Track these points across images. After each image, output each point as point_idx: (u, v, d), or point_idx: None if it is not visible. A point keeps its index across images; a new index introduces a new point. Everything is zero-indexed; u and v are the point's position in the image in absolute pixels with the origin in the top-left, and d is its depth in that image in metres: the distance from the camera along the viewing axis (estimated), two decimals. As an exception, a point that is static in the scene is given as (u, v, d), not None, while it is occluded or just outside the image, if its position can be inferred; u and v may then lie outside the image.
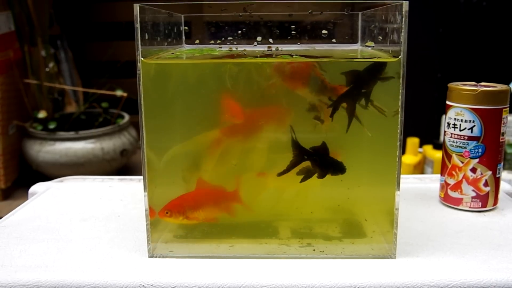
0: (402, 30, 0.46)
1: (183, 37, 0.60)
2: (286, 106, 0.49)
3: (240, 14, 0.55)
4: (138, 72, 0.47)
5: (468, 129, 0.60)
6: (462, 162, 0.61)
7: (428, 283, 0.45)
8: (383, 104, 0.48)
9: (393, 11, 0.48)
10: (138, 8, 0.45)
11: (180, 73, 0.50)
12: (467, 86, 0.60)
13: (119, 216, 0.61)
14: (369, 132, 0.49)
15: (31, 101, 1.86)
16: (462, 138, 0.60)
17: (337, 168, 0.49)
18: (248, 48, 0.55)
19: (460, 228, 0.57)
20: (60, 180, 0.75)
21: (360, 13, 0.58)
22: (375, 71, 0.48)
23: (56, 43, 2.05)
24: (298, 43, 0.58)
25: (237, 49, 0.55)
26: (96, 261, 0.49)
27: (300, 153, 0.49)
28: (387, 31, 0.50)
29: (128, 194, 0.69)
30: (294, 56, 0.51)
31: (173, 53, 0.55)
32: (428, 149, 1.55)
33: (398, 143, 0.48)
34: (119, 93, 1.85)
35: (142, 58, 0.47)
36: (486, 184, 0.61)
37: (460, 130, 0.60)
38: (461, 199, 0.62)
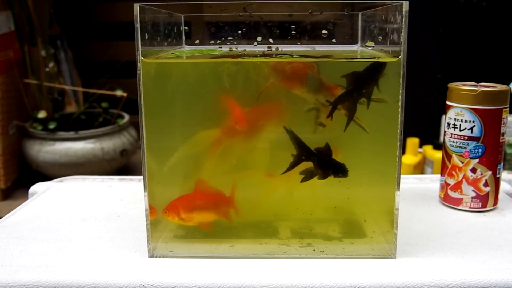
0: (402, 30, 0.46)
1: (183, 37, 0.60)
2: (285, 105, 0.49)
3: (240, 14, 0.55)
4: (138, 71, 0.47)
5: (468, 129, 0.60)
6: (462, 162, 0.61)
7: (428, 283, 0.45)
8: (382, 105, 0.48)
9: (393, 11, 0.48)
10: (138, 8, 0.45)
11: (180, 72, 0.50)
12: (467, 86, 0.60)
13: (119, 216, 0.61)
14: (367, 129, 0.48)
15: (31, 101, 1.86)
16: (462, 138, 0.60)
17: (340, 170, 0.49)
18: (248, 48, 0.55)
19: (460, 228, 0.57)
20: (60, 180, 0.75)
21: (360, 13, 0.58)
22: (375, 71, 0.48)
23: (56, 43, 2.05)
24: (298, 43, 0.58)
25: (237, 49, 0.55)
26: (96, 261, 0.49)
27: (303, 152, 0.49)
28: (387, 31, 0.50)
29: (128, 194, 0.69)
30: (294, 56, 0.51)
31: (173, 53, 0.55)
32: (428, 149, 1.55)
33: (398, 143, 0.48)
34: (119, 93, 1.85)
35: (142, 58, 0.47)
36: (486, 184, 0.61)
37: (460, 130, 0.60)
38: (461, 199, 0.62)
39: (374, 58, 0.50)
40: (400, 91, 0.47)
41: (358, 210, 0.52)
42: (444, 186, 0.63)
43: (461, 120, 0.60)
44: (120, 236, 0.55)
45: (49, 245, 0.53)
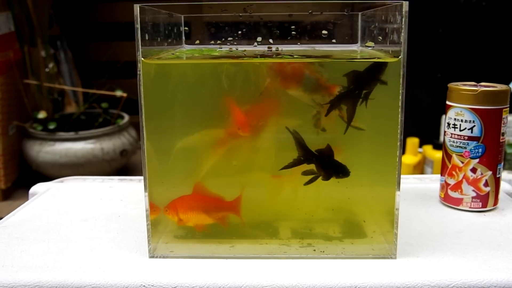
0: (402, 30, 0.46)
1: (183, 38, 0.60)
2: (284, 103, 0.49)
3: (240, 14, 0.55)
4: (138, 72, 0.47)
5: (468, 129, 0.60)
6: (462, 162, 0.61)
7: (429, 283, 0.45)
8: (383, 104, 0.48)
9: (393, 11, 0.48)
10: (138, 8, 0.45)
11: (181, 73, 0.50)
12: (467, 86, 0.60)
13: (119, 217, 0.61)
14: (362, 127, 0.48)
15: (31, 101, 1.86)
16: (462, 138, 0.60)
17: (341, 171, 0.49)
18: (248, 48, 0.55)
19: (461, 228, 0.57)
20: (60, 180, 0.75)
21: (360, 13, 0.58)
22: (375, 71, 0.48)
23: (56, 44, 2.05)
24: (298, 43, 0.58)
25: (237, 49, 0.55)
26: (96, 262, 0.49)
27: (305, 153, 0.49)
28: (387, 31, 0.50)
29: (128, 194, 0.69)
30: (295, 57, 0.51)
31: (173, 54, 0.55)
32: (428, 149, 1.55)
33: (398, 143, 0.48)
34: (118, 93, 1.85)
35: (142, 59, 0.47)
36: (486, 184, 0.61)
37: (460, 130, 0.60)
38: (461, 199, 0.62)
39: (375, 58, 0.50)
40: (400, 91, 0.47)
41: (358, 210, 0.52)
42: (444, 186, 0.63)
43: (461, 120, 0.60)
44: (120, 237, 0.55)
45: (50, 246, 0.53)
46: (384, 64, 0.47)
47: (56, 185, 0.73)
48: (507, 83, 0.62)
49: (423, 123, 1.79)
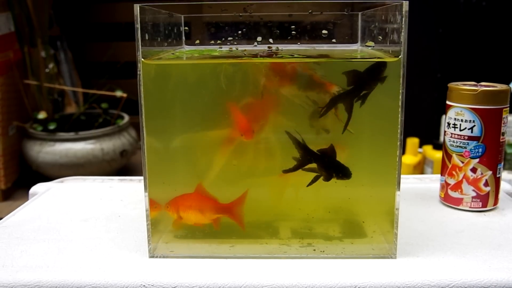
0: (402, 30, 0.46)
1: (183, 38, 0.60)
2: (285, 105, 0.49)
3: (240, 14, 0.55)
4: (138, 72, 0.47)
5: (468, 129, 0.60)
6: (462, 162, 0.61)
7: (429, 283, 0.45)
8: (382, 105, 0.48)
9: (393, 11, 0.48)
10: (138, 8, 0.45)
11: (181, 73, 0.50)
12: (467, 86, 0.60)
13: (119, 217, 0.61)
14: (352, 131, 0.48)
15: (31, 102, 1.86)
16: (462, 138, 0.60)
17: (343, 172, 0.49)
18: (248, 48, 0.55)
19: (461, 228, 0.57)
20: (60, 180, 0.75)
21: (360, 13, 0.58)
22: (375, 71, 0.48)
23: (56, 44, 2.06)
24: (298, 43, 0.58)
25: (237, 49, 0.55)
26: (96, 261, 0.49)
27: (307, 155, 0.49)
28: (387, 31, 0.50)
29: (128, 194, 0.69)
30: (295, 56, 0.51)
31: (173, 54, 0.55)
32: (428, 149, 1.55)
33: (398, 143, 0.48)
34: (118, 93, 1.85)
35: (142, 59, 0.47)
36: (486, 184, 0.61)
37: (460, 130, 0.60)
38: (462, 199, 0.62)
39: (375, 58, 0.50)
40: (400, 91, 0.47)
41: (359, 210, 0.52)
42: (444, 186, 0.63)
43: (461, 120, 0.60)
44: (120, 236, 0.55)
45: (50, 246, 0.53)
46: (383, 65, 0.47)
47: (56, 185, 0.73)
48: (507, 83, 0.62)
49: (423, 123, 1.79)
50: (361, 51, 0.57)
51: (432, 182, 0.73)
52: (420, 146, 1.58)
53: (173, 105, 0.50)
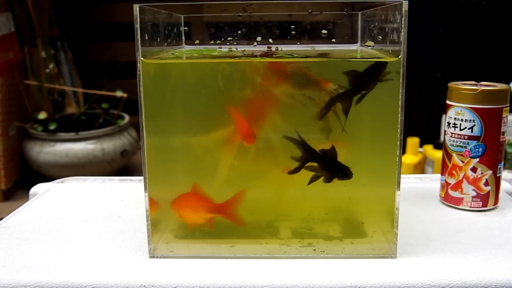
0: (402, 30, 0.46)
1: (183, 38, 0.60)
2: (285, 105, 0.49)
3: (240, 14, 0.55)
4: (138, 72, 0.47)
5: (468, 129, 0.60)
6: (463, 162, 0.61)
7: (429, 283, 0.45)
8: (382, 105, 0.48)
9: (392, 11, 0.48)
10: (138, 8, 0.45)
11: (180, 73, 0.50)
12: (467, 86, 0.60)
13: (119, 217, 0.61)
14: (347, 131, 0.48)
15: (32, 102, 1.86)
16: (462, 137, 0.60)
17: (344, 172, 0.49)
18: (248, 48, 0.55)
19: (461, 227, 0.57)
20: (60, 181, 0.75)
21: (359, 13, 0.58)
22: (375, 71, 0.47)
23: (56, 44, 2.06)
24: (298, 43, 0.58)
25: (237, 49, 0.55)
26: (97, 262, 0.49)
27: (309, 154, 0.49)
28: (386, 30, 0.50)
29: (128, 194, 0.69)
30: (294, 56, 0.51)
31: (173, 54, 0.55)
32: (428, 148, 1.55)
33: (398, 143, 0.48)
34: (119, 94, 1.85)
35: (142, 59, 0.47)
36: (486, 184, 0.61)
37: (460, 130, 0.60)
38: (462, 198, 0.62)
39: (374, 58, 0.50)
40: (400, 91, 0.47)
41: (359, 210, 0.52)
42: (445, 185, 0.63)
43: (461, 120, 0.60)
44: (120, 237, 0.55)
45: (50, 246, 0.53)
46: (382, 65, 0.47)
47: (56, 186, 0.73)
48: (507, 82, 0.62)
49: (423, 122, 1.79)
50: (361, 51, 0.57)
51: (432, 181, 0.73)
52: (421, 145, 1.58)
53: (173, 105, 0.50)
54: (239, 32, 0.56)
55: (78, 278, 0.46)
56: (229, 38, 0.57)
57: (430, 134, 1.71)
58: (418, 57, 1.82)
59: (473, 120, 0.59)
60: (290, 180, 0.50)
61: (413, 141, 1.55)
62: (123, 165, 1.91)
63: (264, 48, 0.55)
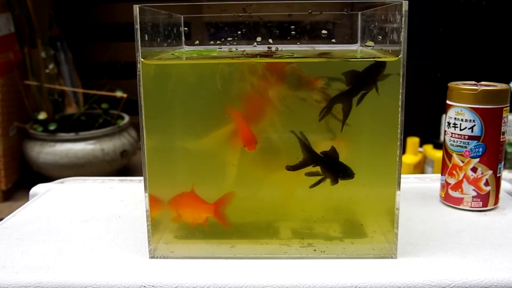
0: (402, 30, 0.46)
1: (183, 38, 0.60)
2: (285, 105, 0.49)
3: (240, 14, 0.55)
4: (138, 73, 0.47)
5: (469, 129, 0.60)
6: (463, 162, 0.61)
7: (429, 283, 0.45)
8: (382, 105, 0.48)
9: (392, 11, 0.48)
10: (138, 9, 0.45)
11: (180, 73, 0.50)
12: (467, 86, 0.60)
13: (120, 217, 0.61)
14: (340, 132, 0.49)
15: (31, 102, 1.86)
16: (462, 137, 0.60)
17: (346, 173, 0.49)
18: (248, 48, 0.55)
19: (461, 227, 0.57)
20: (60, 181, 0.75)
21: (359, 13, 0.58)
22: (374, 71, 0.47)
23: (56, 45, 2.06)
24: (298, 43, 0.58)
25: (236, 49, 0.55)
26: (97, 262, 0.49)
27: (310, 156, 0.49)
28: (386, 30, 0.50)
29: (128, 195, 0.69)
30: (294, 55, 0.51)
31: (172, 54, 0.55)
32: (428, 148, 1.55)
33: (398, 143, 0.48)
34: (119, 94, 1.85)
35: (142, 59, 0.47)
36: (486, 184, 0.61)
37: (461, 130, 0.60)
38: (462, 198, 0.62)
39: (374, 58, 0.50)
40: (400, 91, 0.47)
41: (359, 210, 0.52)
42: (445, 185, 0.63)
43: (462, 120, 0.60)
44: (121, 237, 0.55)
45: (50, 246, 0.53)
46: (381, 65, 0.47)
47: (56, 186, 0.73)
48: (507, 82, 0.62)
49: (423, 122, 1.79)
50: (360, 51, 0.57)
51: (432, 181, 0.73)
52: (421, 145, 1.58)
53: (173, 105, 0.50)
54: (239, 32, 0.56)
55: (78, 278, 0.46)
56: (229, 39, 0.57)
57: (430, 134, 1.71)
58: (418, 57, 1.82)
59: (473, 120, 0.59)
60: (291, 180, 0.50)
61: (413, 141, 1.55)
62: (123, 165, 1.91)
63: (264, 48, 0.55)
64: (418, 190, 0.69)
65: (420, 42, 1.83)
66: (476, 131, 0.59)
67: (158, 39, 0.52)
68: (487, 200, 0.61)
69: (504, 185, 0.67)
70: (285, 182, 0.50)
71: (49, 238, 0.55)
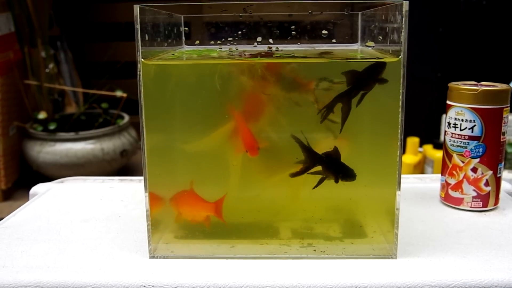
0: (402, 30, 0.46)
1: (183, 38, 0.60)
2: (285, 105, 0.49)
3: (240, 14, 0.55)
4: (138, 73, 0.47)
5: (469, 129, 0.60)
6: (463, 162, 0.61)
7: (429, 283, 0.45)
8: (382, 105, 0.48)
9: (393, 11, 0.48)
10: (138, 9, 0.45)
11: (180, 73, 0.50)
12: (467, 86, 0.60)
13: (119, 217, 0.61)
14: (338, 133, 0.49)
15: (31, 102, 1.86)
16: (462, 137, 0.60)
17: (348, 174, 0.49)
18: (248, 48, 0.55)
19: (461, 228, 0.57)
20: (60, 181, 0.75)
21: (360, 13, 0.58)
22: (374, 71, 0.47)
23: (56, 44, 2.06)
24: (298, 43, 0.58)
25: (237, 49, 0.55)
26: (97, 262, 0.49)
27: (312, 158, 0.49)
28: (387, 31, 0.50)
29: (128, 194, 0.69)
30: (295, 55, 0.51)
31: (173, 54, 0.55)
32: (428, 148, 1.55)
33: (398, 143, 0.48)
34: (119, 93, 1.85)
35: (142, 59, 0.47)
36: (487, 184, 0.61)
37: (461, 130, 0.60)
38: (462, 199, 0.62)
39: (374, 58, 0.50)
40: (400, 91, 0.47)
41: (359, 210, 0.52)
42: (445, 185, 0.63)
43: (462, 120, 0.60)
44: (121, 237, 0.55)
45: (50, 246, 0.53)
46: (380, 65, 0.47)
47: (56, 186, 0.73)
48: (508, 82, 0.62)
49: (423, 122, 1.79)
50: (361, 51, 0.57)
51: (432, 181, 0.73)
52: (421, 145, 1.58)
53: (173, 105, 0.50)
54: (239, 32, 0.56)
55: (78, 278, 0.46)
56: (229, 39, 0.57)
57: (430, 134, 1.71)
58: (418, 57, 1.82)
59: (474, 120, 0.59)
60: (291, 181, 0.50)
61: (413, 141, 1.55)
62: (123, 165, 1.91)
63: (264, 48, 0.55)
64: (418, 190, 0.69)
65: (420, 43, 1.83)
66: (476, 131, 0.59)
67: (159, 39, 0.52)
68: (487, 200, 0.61)
69: (504, 185, 0.67)
70: (286, 183, 0.50)
71: (49, 237, 0.55)
